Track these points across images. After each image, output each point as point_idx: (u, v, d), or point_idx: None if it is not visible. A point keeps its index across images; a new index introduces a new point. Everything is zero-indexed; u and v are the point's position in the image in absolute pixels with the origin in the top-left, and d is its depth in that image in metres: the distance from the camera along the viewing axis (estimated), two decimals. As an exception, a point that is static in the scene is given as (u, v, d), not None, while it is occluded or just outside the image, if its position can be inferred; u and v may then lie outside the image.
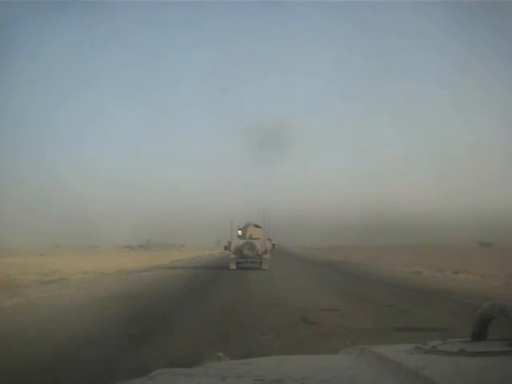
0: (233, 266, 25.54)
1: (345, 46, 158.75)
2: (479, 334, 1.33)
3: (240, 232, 26.71)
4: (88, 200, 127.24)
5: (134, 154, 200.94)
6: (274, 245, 27.32)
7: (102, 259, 35.11)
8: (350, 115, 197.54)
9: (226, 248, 26.78)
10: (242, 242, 25.73)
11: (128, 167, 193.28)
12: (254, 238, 25.95)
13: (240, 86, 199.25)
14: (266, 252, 25.70)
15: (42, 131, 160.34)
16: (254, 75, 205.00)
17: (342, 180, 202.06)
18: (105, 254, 53.83)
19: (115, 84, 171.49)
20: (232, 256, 25.77)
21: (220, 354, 1.52)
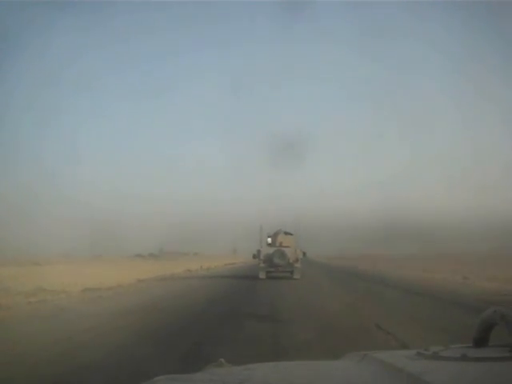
0: (262, 276, 24.53)
1: (363, 52, 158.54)
2: (481, 340, 1.33)
3: (270, 240, 25.68)
4: (102, 209, 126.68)
5: (148, 163, 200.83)
6: (304, 253, 26.22)
7: (90, 271, 32.86)
8: (366, 122, 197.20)
9: (255, 256, 25.78)
10: (271, 250, 24.72)
11: (142, 176, 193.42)
12: (285, 246, 24.91)
13: (257, 92, 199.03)
14: (297, 261, 24.71)
15: (46, 135, 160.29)
16: (274, 81, 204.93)
17: (356, 188, 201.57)
18: (102, 265, 52.40)
19: (130, 89, 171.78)
20: (262, 265, 24.79)
21: (222, 360, 1.51)
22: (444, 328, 8.89)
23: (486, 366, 1.14)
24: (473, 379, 1.07)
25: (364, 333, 8.75)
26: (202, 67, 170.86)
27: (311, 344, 7.55)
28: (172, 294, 18.20)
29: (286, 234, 26.02)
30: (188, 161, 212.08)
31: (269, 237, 25.84)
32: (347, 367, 1.34)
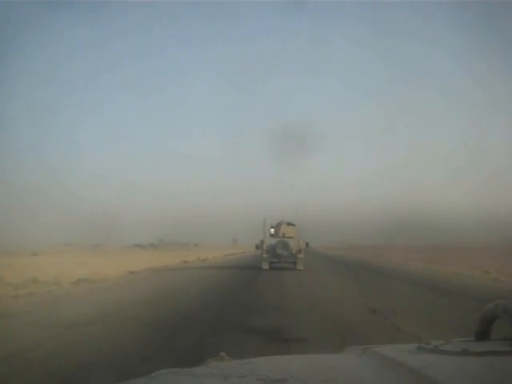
0: (266, 266, 24.67)
1: (364, 46, 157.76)
2: (482, 334, 1.33)
3: (272, 230, 25.74)
4: (104, 200, 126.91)
5: (150, 154, 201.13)
6: (307, 244, 26.17)
7: (88, 261, 31.51)
8: (369, 114, 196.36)
9: (258, 247, 25.94)
10: (274, 240, 24.82)
11: (144, 167, 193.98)
12: (288, 237, 25.02)
13: (260, 85, 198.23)
14: (300, 251, 24.73)
15: (47, 129, 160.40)
16: (275, 74, 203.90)
17: (356, 179, 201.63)
18: (101, 255, 51.68)
19: (131, 83, 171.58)
20: (265, 255, 24.90)
21: (223, 354, 1.51)
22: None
23: (487, 360, 1.13)
24: (474, 373, 1.07)
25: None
26: (205, 61, 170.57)
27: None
28: (154, 292, 15.36)
29: (289, 224, 26.01)
30: (189, 153, 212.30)
31: (272, 227, 25.88)
32: (348, 361, 1.34)
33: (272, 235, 25.54)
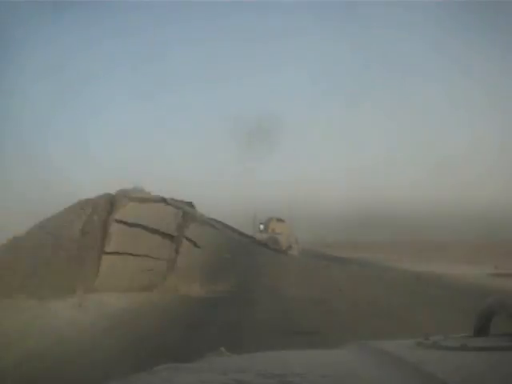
0: None
1: (339, 41, 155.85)
2: (481, 330, 1.33)
3: (262, 226, 25.51)
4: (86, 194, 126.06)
5: (128, 148, 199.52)
6: (296, 240, 25.95)
7: None
8: (343, 109, 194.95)
9: None
10: (264, 236, 24.38)
11: (122, 160, 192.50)
12: (277, 233, 24.80)
13: (236, 80, 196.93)
14: (290, 248, 24.56)
15: (41, 130, 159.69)
16: (254, 71, 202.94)
17: (325, 175, 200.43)
18: None
19: (121, 83, 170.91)
20: None
21: (222, 349, 1.52)
22: None
23: (485, 355, 1.14)
24: (473, 369, 1.07)
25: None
26: (202, 61, 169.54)
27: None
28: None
29: (279, 220, 25.79)
30: (169, 144, 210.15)
31: (261, 224, 25.64)
32: (347, 356, 1.34)
33: (261, 231, 25.27)
